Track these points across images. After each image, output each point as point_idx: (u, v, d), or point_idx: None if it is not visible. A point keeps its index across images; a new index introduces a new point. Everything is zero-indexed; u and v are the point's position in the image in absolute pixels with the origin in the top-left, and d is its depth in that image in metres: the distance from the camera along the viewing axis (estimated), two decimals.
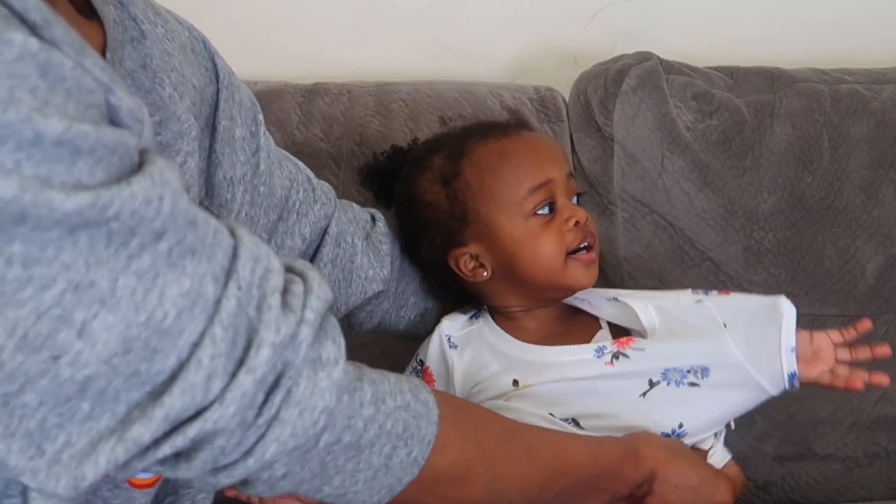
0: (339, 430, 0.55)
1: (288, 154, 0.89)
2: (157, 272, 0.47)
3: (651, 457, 0.76)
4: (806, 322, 1.11)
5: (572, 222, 0.85)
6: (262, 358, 0.50)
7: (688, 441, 0.84)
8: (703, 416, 0.84)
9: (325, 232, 0.89)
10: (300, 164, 0.90)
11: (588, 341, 0.88)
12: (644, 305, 0.87)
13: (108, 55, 0.63)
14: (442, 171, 0.88)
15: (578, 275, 0.86)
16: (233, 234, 0.53)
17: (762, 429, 1.12)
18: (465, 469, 0.62)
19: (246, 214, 0.78)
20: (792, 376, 0.84)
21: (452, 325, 0.91)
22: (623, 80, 1.10)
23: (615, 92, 1.10)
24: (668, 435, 0.83)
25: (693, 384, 0.83)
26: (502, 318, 0.92)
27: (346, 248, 0.90)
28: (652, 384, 0.83)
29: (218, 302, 0.49)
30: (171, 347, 0.48)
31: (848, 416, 1.12)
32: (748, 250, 1.10)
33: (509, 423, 0.71)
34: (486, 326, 0.91)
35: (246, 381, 0.49)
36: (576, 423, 0.83)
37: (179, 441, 0.49)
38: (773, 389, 0.85)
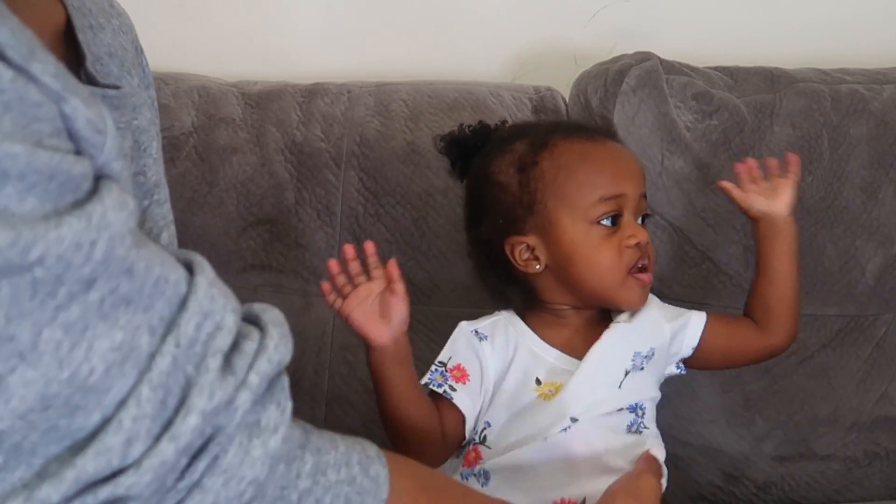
0: (269, 501, 0.51)
1: None
2: (86, 324, 0.43)
3: None
4: (806, 322, 1.11)
5: (633, 241, 0.86)
6: (188, 425, 0.46)
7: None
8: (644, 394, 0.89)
9: None
10: None
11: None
12: None
13: (80, 37, 0.61)
14: (521, 156, 0.88)
15: (633, 294, 0.87)
16: (190, 282, 0.49)
17: (762, 429, 1.12)
18: None
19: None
20: (679, 364, 0.93)
21: (472, 323, 0.91)
22: (623, 80, 1.10)
23: (615, 92, 1.10)
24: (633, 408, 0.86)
25: (642, 368, 0.87)
26: (533, 315, 0.91)
27: None
28: (626, 373, 0.87)
29: (151, 357, 0.46)
30: (96, 405, 0.44)
31: (848, 416, 1.12)
32: (748, 250, 1.10)
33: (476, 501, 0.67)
34: (511, 320, 0.91)
35: (167, 449, 0.46)
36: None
37: (90, 501, 0.45)
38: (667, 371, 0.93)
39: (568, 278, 0.88)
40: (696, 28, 1.29)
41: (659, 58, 1.13)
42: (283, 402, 0.52)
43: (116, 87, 0.64)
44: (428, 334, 1.08)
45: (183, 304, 0.47)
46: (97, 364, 0.44)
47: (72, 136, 0.44)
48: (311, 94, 1.15)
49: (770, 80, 1.15)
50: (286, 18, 1.29)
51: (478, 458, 0.86)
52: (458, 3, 1.29)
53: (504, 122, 0.99)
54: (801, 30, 1.30)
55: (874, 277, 1.12)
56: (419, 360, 1.10)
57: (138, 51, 0.74)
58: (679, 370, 0.94)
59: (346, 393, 1.09)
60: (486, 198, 0.90)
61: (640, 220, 0.89)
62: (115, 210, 0.44)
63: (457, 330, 0.91)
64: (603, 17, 1.28)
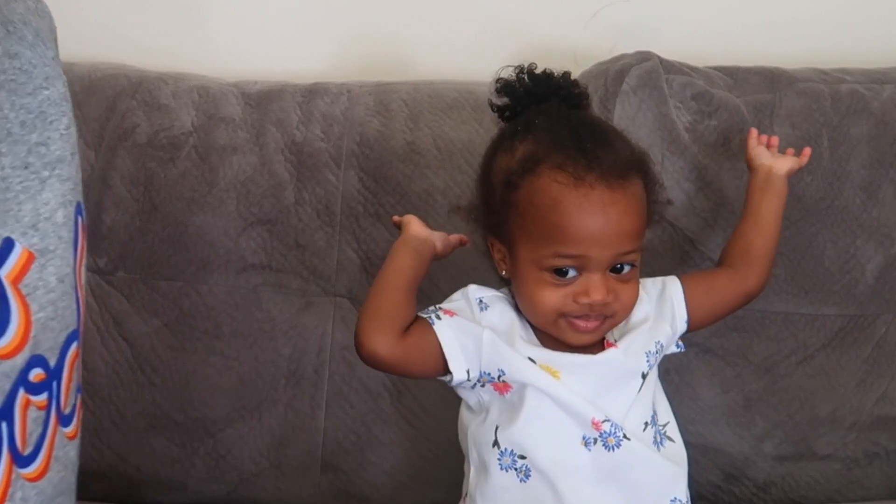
0: None
1: None
2: None
3: None
4: (806, 322, 1.11)
5: (584, 300, 0.82)
6: None
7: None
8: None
9: None
10: None
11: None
12: None
13: None
14: (512, 169, 0.84)
15: (567, 334, 0.85)
16: None
17: (762, 429, 1.12)
18: None
19: None
20: (678, 343, 0.94)
21: (480, 290, 0.89)
22: (623, 80, 1.10)
23: (615, 92, 1.10)
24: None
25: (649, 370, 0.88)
26: None
27: None
28: (644, 376, 0.86)
29: None
30: None
31: (848, 416, 1.12)
32: None
33: None
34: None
35: None
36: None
37: None
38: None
39: (517, 298, 0.88)
40: (696, 28, 1.29)
41: (659, 58, 1.13)
42: None
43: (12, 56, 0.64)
44: None
45: None
46: None
47: None
48: (311, 94, 1.15)
49: (770, 80, 1.15)
50: (286, 18, 1.28)
51: (507, 387, 0.84)
52: (459, 3, 1.29)
53: (567, 74, 0.95)
54: (800, 29, 1.30)
55: (874, 277, 1.12)
56: None
57: (55, 37, 0.74)
58: (679, 349, 0.94)
59: (346, 393, 1.09)
60: (480, 187, 0.89)
61: (618, 269, 0.83)
62: None
63: (463, 291, 0.89)
64: (603, 17, 1.28)
